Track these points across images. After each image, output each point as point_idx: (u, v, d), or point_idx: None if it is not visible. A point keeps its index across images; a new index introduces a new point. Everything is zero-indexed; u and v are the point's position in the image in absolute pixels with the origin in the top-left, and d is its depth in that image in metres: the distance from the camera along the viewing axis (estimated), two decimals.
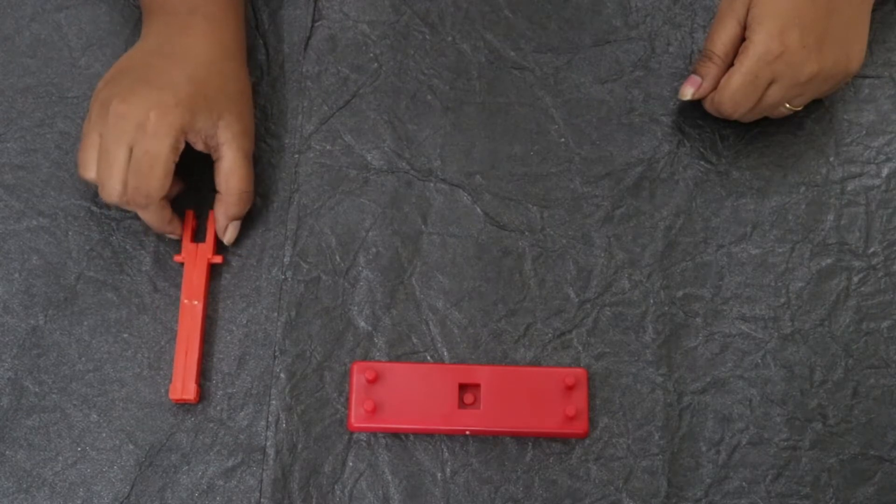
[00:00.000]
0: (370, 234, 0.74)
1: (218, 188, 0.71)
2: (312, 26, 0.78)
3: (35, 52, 0.77)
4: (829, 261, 0.74)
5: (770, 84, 0.70)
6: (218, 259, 0.72)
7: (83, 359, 0.71)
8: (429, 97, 0.77)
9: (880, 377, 0.72)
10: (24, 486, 0.68)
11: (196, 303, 0.71)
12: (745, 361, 0.72)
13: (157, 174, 0.66)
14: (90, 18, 0.78)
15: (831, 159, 0.76)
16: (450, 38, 0.78)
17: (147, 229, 0.73)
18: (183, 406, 0.70)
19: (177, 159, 0.67)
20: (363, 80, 0.77)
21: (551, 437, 0.70)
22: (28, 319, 0.71)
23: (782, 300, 0.73)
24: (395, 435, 0.70)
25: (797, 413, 0.71)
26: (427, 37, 0.78)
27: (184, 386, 0.69)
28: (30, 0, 0.78)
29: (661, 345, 0.72)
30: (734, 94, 0.70)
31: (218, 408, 0.70)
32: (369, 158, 0.75)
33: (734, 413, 0.71)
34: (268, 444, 0.69)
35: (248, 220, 0.74)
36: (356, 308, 0.72)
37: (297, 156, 0.75)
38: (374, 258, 0.73)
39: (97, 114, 0.67)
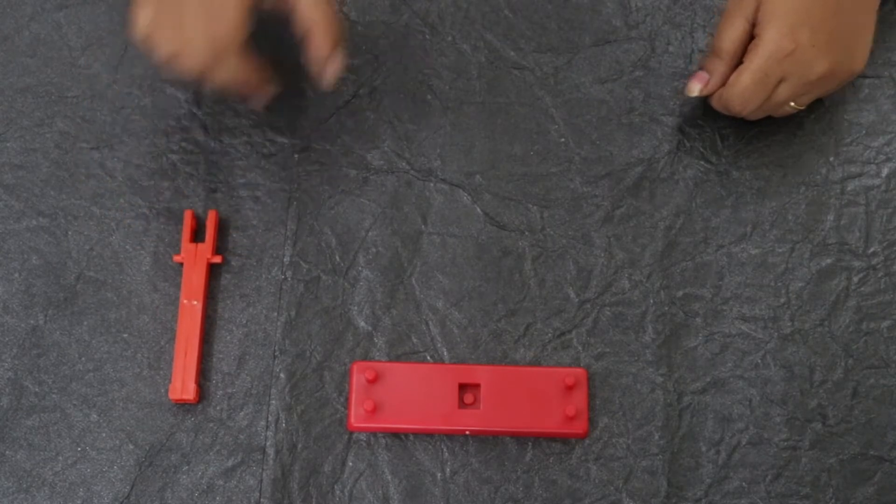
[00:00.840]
0: (370, 233, 0.74)
1: (306, 24, 0.67)
2: None
3: (35, 52, 0.77)
4: (829, 261, 0.74)
5: (779, 82, 0.70)
6: (217, 259, 0.72)
7: (83, 359, 0.71)
8: (429, 97, 0.77)
9: (880, 377, 0.72)
10: (24, 486, 0.68)
11: (196, 303, 0.71)
12: (745, 361, 0.72)
13: (229, 13, 0.64)
14: (90, 18, 0.78)
15: (831, 159, 0.76)
16: (450, 38, 0.78)
17: (147, 229, 0.73)
18: (183, 406, 0.70)
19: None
20: (363, 80, 0.77)
21: (551, 437, 0.70)
22: (28, 319, 0.71)
23: (782, 300, 0.73)
24: (395, 435, 0.70)
25: (797, 413, 0.71)
26: (427, 37, 0.78)
27: (183, 386, 0.69)
28: (29, 0, 0.78)
29: (661, 345, 0.72)
30: (744, 91, 0.70)
31: (218, 408, 0.70)
32: (369, 158, 0.75)
33: (734, 413, 0.71)
34: (268, 443, 0.69)
35: (249, 220, 0.74)
36: (356, 308, 0.72)
37: (297, 156, 0.75)
38: (374, 258, 0.73)
39: None
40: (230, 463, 0.69)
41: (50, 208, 0.74)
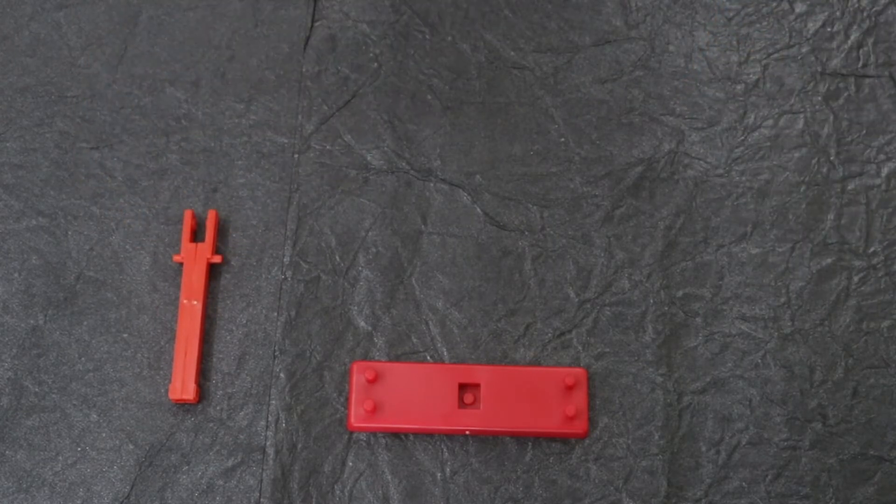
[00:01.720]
0: (370, 233, 0.74)
1: None
2: (312, 26, 0.78)
3: (34, 52, 0.77)
4: (829, 260, 0.74)
5: None
6: (217, 259, 0.72)
7: (83, 359, 0.71)
8: (429, 97, 0.77)
9: (880, 377, 0.72)
10: (24, 486, 0.68)
11: (195, 303, 0.71)
12: (745, 361, 0.72)
13: None
14: (89, 18, 0.78)
15: (832, 158, 0.76)
16: (450, 38, 0.78)
17: (147, 229, 0.73)
18: (183, 406, 0.70)
19: None
20: (363, 80, 0.77)
21: (551, 437, 0.70)
22: (28, 319, 0.71)
23: (782, 300, 0.73)
24: (395, 435, 0.70)
25: (797, 413, 0.71)
26: (427, 37, 0.78)
27: (183, 386, 0.69)
28: (29, 0, 0.79)
29: (661, 345, 0.72)
30: None
31: (218, 408, 0.70)
32: (369, 158, 0.75)
33: (734, 413, 0.71)
34: (268, 443, 0.69)
35: (248, 220, 0.74)
36: (356, 308, 0.72)
37: (296, 156, 0.75)
38: (373, 258, 0.73)
39: None
40: (230, 463, 0.69)
41: (50, 208, 0.74)
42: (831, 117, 0.77)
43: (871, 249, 0.74)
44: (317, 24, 0.78)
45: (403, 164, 0.75)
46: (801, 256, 0.74)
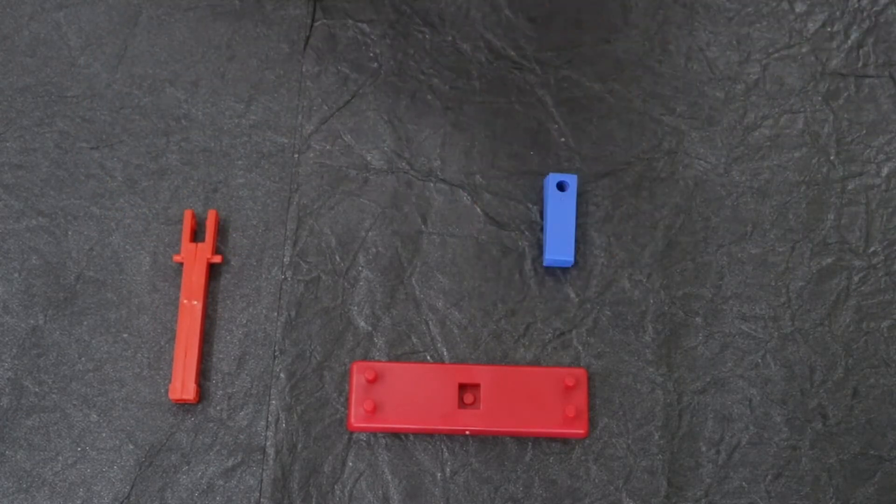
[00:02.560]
0: (370, 234, 0.74)
1: None
2: (312, 26, 0.78)
3: (34, 52, 0.77)
4: (829, 260, 0.74)
5: None
6: (217, 259, 0.72)
7: (83, 359, 0.71)
8: (429, 97, 0.77)
9: (880, 377, 0.72)
10: (24, 486, 0.68)
11: (195, 303, 0.71)
12: (745, 361, 0.72)
13: None
14: (89, 18, 0.78)
15: (832, 158, 0.76)
16: (450, 38, 0.78)
17: (147, 229, 0.73)
18: (183, 406, 0.70)
19: None
20: (363, 80, 0.77)
21: (551, 438, 0.70)
22: (28, 319, 0.71)
23: (782, 299, 0.73)
24: (395, 435, 0.70)
25: (797, 413, 0.71)
26: (427, 37, 0.78)
27: (183, 386, 0.69)
28: (29, 0, 0.79)
29: (661, 344, 0.72)
30: None
31: (218, 408, 0.70)
32: (369, 158, 0.75)
33: (734, 413, 0.71)
34: (268, 443, 0.69)
35: (249, 220, 0.74)
36: (356, 308, 0.72)
37: (296, 156, 0.75)
38: (373, 258, 0.73)
39: None
40: (230, 463, 0.69)
41: (50, 208, 0.74)
42: (831, 117, 0.77)
43: (871, 249, 0.74)
44: (317, 24, 0.78)
45: (403, 164, 0.75)
46: (801, 256, 0.74)
